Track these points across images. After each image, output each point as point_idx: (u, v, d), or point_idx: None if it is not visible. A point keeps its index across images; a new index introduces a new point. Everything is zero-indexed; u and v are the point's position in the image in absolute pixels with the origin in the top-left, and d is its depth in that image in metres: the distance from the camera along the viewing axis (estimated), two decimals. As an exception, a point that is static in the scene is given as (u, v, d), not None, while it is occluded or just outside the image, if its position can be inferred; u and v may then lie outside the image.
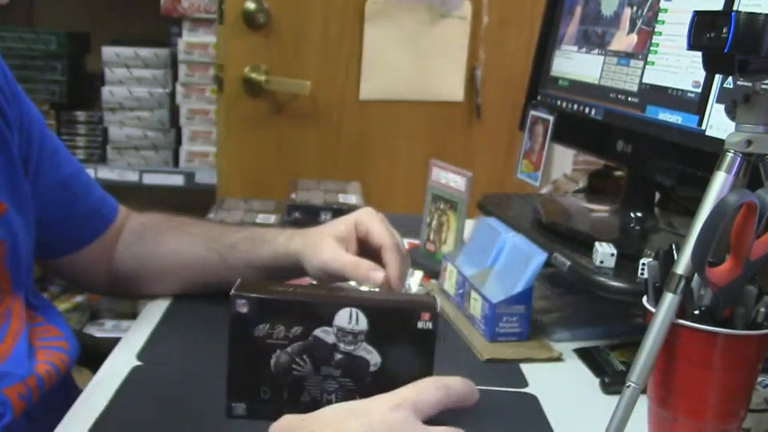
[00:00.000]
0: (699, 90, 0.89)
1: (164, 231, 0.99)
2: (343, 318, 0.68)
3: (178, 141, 2.22)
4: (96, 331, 2.30)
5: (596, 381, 0.84)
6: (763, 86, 0.61)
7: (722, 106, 0.76)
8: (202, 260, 0.95)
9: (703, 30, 0.61)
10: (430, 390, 0.64)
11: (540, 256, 0.90)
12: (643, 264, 0.85)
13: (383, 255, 0.85)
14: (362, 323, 0.68)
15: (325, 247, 0.85)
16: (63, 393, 0.87)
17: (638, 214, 1.05)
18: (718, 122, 0.86)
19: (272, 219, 1.20)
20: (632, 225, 1.05)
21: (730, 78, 0.84)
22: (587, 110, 1.08)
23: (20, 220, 0.84)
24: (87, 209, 0.97)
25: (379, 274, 0.81)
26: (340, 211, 1.18)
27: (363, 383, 0.70)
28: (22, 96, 0.89)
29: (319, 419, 0.61)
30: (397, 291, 0.83)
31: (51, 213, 0.91)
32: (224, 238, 0.96)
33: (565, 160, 2.43)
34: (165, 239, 0.98)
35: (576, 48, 1.13)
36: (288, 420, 0.62)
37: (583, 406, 0.81)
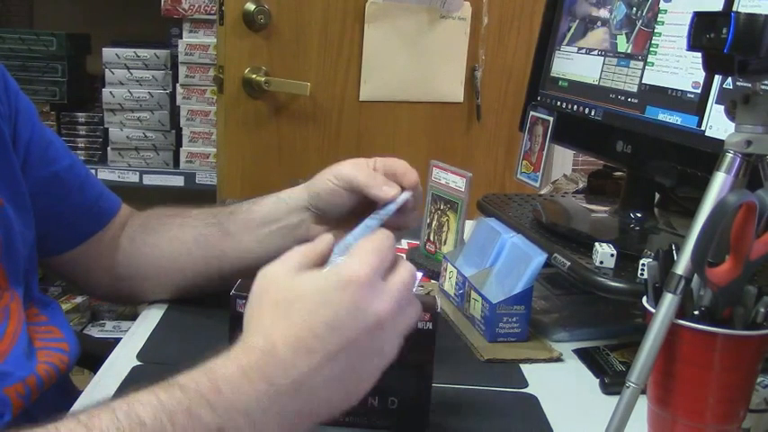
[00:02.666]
0: (698, 91, 0.89)
1: (165, 221, 0.97)
2: (344, 318, 0.68)
3: (178, 142, 2.22)
4: (96, 332, 2.31)
5: (596, 381, 0.84)
6: (763, 87, 0.61)
7: (722, 107, 0.76)
8: (201, 238, 0.93)
9: (703, 30, 0.61)
10: (369, 258, 0.59)
11: (539, 257, 0.90)
12: (643, 264, 0.85)
13: (400, 179, 0.83)
14: (362, 323, 0.68)
15: (340, 164, 0.86)
16: (62, 393, 0.87)
17: (638, 215, 1.05)
18: (717, 123, 0.86)
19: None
20: (632, 225, 1.05)
21: (730, 79, 0.84)
22: (587, 110, 1.08)
23: (16, 215, 0.83)
24: (83, 204, 0.95)
25: (392, 189, 0.80)
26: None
27: (363, 384, 0.70)
28: (12, 88, 0.87)
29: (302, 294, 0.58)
30: (413, 205, 0.82)
31: (44, 208, 0.89)
32: (225, 209, 0.94)
33: (565, 161, 2.44)
34: (166, 228, 0.96)
35: (575, 48, 1.13)
36: (274, 283, 0.60)
37: (583, 406, 0.81)
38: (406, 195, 0.81)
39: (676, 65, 0.93)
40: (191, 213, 0.96)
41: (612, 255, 0.89)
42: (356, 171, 0.84)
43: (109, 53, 2.19)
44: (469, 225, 1.08)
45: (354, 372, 0.57)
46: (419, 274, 0.64)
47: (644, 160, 0.97)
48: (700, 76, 0.89)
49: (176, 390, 0.53)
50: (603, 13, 1.08)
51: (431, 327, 0.69)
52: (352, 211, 0.86)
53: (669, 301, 0.61)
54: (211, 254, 0.92)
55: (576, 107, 1.11)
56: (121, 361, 0.83)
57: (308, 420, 0.57)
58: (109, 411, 0.51)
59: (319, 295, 0.57)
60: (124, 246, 0.97)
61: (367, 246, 0.60)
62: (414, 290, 0.62)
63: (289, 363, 0.55)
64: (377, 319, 0.57)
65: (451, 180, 1.10)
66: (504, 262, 0.95)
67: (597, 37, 1.08)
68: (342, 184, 0.85)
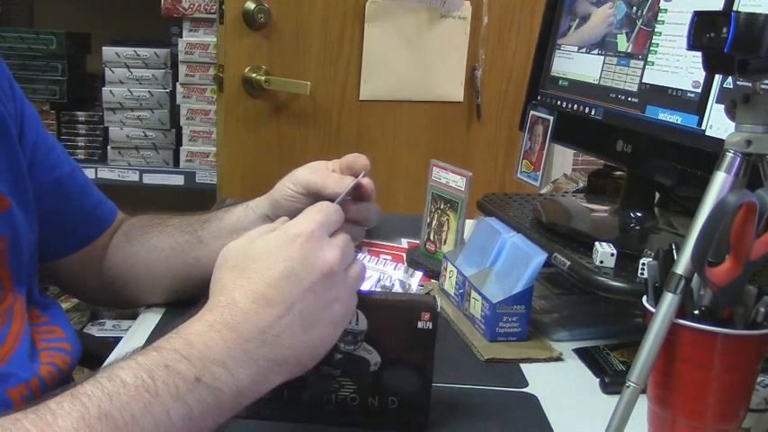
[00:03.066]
0: (699, 90, 0.89)
1: (147, 230, 0.97)
2: (344, 317, 0.68)
3: (178, 141, 2.22)
4: (96, 331, 2.31)
5: (596, 381, 0.84)
6: (763, 86, 0.61)
7: (722, 106, 0.76)
8: (177, 246, 0.94)
9: (703, 30, 0.61)
10: (313, 215, 0.65)
11: (540, 256, 0.90)
12: (643, 264, 0.85)
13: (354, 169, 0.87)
14: (362, 323, 0.68)
15: (298, 170, 0.89)
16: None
17: (638, 214, 1.05)
18: (717, 122, 0.86)
19: (273, 219, 1.20)
20: (632, 225, 1.05)
21: (730, 78, 0.84)
22: (587, 110, 1.08)
23: (23, 217, 0.83)
24: (82, 211, 0.95)
25: (347, 178, 0.84)
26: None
27: (364, 383, 0.70)
28: (18, 91, 0.88)
29: (256, 257, 0.63)
30: (370, 190, 0.84)
31: (44, 213, 0.89)
32: (201, 217, 0.95)
33: (565, 160, 2.44)
34: (148, 237, 0.96)
35: (576, 48, 1.13)
36: (233, 255, 0.65)
37: (583, 406, 0.81)
38: (352, 180, 0.83)
39: (676, 64, 0.93)
40: (170, 222, 0.97)
41: (612, 254, 0.89)
42: (312, 174, 0.87)
43: (109, 52, 2.19)
44: (469, 224, 1.08)
45: (315, 318, 0.62)
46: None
47: (644, 160, 0.97)
48: (700, 75, 0.89)
49: (152, 351, 0.57)
50: (603, 11, 1.08)
51: (431, 327, 0.69)
52: None
53: (669, 300, 0.61)
54: (187, 261, 0.94)
55: (576, 106, 1.11)
56: (121, 360, 0.83)
57: (280, 369, 0.60)
58: (92, 380, 0.54)
59: (272, 252, 0.62)
60: (110, 254, 0.98)
61: (312, 209, 0.66)
62: (353, 252, 0.67)
63: (251, 312, 0.60)
64: (328, 267, 0.62)
65: (451, 179, 1.10)
66: (504, 261, 0.95)
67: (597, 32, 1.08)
68: (299, 189, 0.87)
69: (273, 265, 0.61)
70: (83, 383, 0.54)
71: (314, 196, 0.85)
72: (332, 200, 0.78)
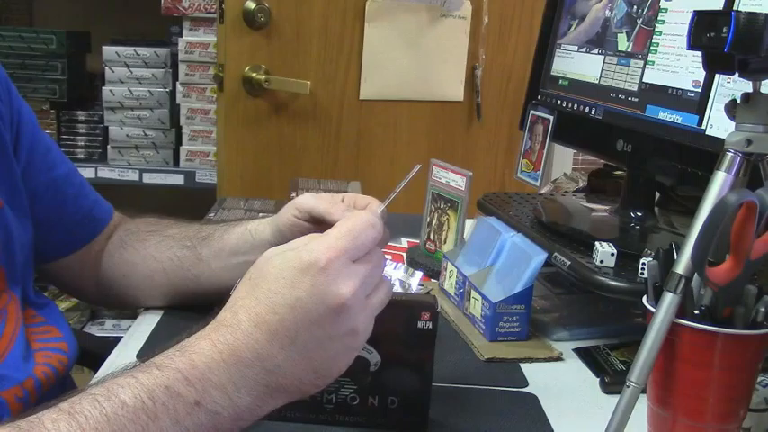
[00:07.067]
0: (699, 90, 0.89)
1: (144, 238, 0.96)
2: (343, 317, 0.68)
3: (178, 141, 2.22)
4: (96, 330, 2.31)
5: (596, 380, 0.84)
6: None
7: (722, 106, 0.76)
8: (176, 259, 0.93)
9: (703, 29, 0.61)
10: (338, 241, 0.61)
11: (540, 256, 0.90)
12: (643, 263, 0.85)
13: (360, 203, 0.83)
14: (362, 323, 0.68)
15: (302, 196, 0.86)
16: (64, 392, 0.87)
17: (638, 214, 1.05)
18: (718, 122, 0.86)
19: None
20: (632, 225, 1.04)
21: (730, 78, 0.84)
22: (587, 109, 1.08)
23: (15, 217, 0.83)
24: (78, 212, 0.95)
25: (354, 209, 0.80)
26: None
27: (363, 383, 0.70)
28: (14, 93, 0.88)
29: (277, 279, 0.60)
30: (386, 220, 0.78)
31: (41, 214, 0.89)
32: (201, 233, 0.94)
33: (565, 160, 2.44)
34: (144, 246, 0.95)
35: (576, 47, 1.13)
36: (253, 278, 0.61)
37: (583, 405, 0.81)
38: (416, 168, 0.80)
39: (677, 64, 0.93)
40: (168, 232, 0.96)
41: (613, 254, 0.89)
42: (317, 201, 0.83)
43: (109, 51, 2.18)
44: (470, 224, 1.08)
45: (322, 351, 0.59)
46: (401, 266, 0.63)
47: (644, 159, 0.97)
48: (700, 74, 0.89)
49: (153, 369, 0.56)
50: (604, 11, 1.07)
51: (431, 326, 0.69)
52: None
53: (669, 300, 0.61)
54: (185, 275, 0.93)
55: (576, 106, 1.11)
56: (122, 360, 0.82)
57: (280, 395, 0.59)
58: (89, 397, 0.53)
59: (282, 276, 0.59)
60: (106, 258, 0.97)
61: (341, 228, 0.61)
62: (383, 271, 0.63)
63: (252, 337, 0.58)
64: (339, 302, 0.58)
65: (452, 179, 1.10)
66: (504, 261, 0.95)
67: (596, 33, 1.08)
68: (303, 215, 0.84)
69: (280, 290, 0.59)
70: (79, 400, 0.53)
71: (317, 223, 0.82)
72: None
